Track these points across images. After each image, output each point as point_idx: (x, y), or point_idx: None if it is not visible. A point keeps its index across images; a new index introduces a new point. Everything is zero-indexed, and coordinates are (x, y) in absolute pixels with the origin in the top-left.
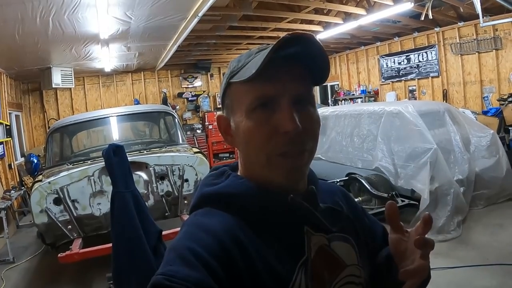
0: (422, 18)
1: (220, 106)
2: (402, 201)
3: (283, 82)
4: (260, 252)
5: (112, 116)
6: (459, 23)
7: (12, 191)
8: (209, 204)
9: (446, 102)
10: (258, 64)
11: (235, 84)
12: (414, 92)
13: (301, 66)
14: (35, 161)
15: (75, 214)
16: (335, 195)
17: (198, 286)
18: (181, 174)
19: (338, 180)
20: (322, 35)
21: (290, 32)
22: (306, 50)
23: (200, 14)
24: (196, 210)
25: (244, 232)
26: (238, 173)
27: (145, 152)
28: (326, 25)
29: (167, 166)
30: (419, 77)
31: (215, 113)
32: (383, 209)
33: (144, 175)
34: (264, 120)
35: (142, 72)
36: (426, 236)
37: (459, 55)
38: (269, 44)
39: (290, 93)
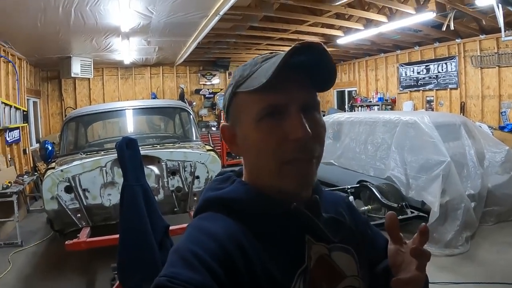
0: (444, 29)
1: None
2: (412, 212)
3: (291, 90)
4: (261, 258)
5: (127, 109)
6: (480, 36)
7: (25, 176)
8: (212, 209)
9: (463, 114)
10: (269, 73)
11: (242, 93)
12: (432, 103)
13: (308, 74)
14: (50, 148)
15: (85, 203)
16: (339, 205)
17: None
18: (192, 170)
19: (349, 187)
20: (342, 40)
21: (300, 42)
22: (316, 59)
23: (221, 13)
24: (200, 214)
25: (246, 238)
26: (243, 179)
27: (158, 146)
28: (346, 30)
29: (179, 162)
30: (437, 88)
31: None
32: None
33: (156, 169)
34: (274, 128)
35: (161, 67)
36: (423, 247)
37: (479, 68)
38: (272, 52)
39: (298, 101)
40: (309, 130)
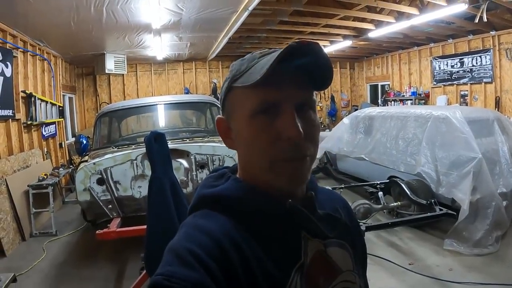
0: (477, 21)
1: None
2: (440, 209)
3: (286, 88)
4: (257, 255)
5: (159, 104)
6: None
7: (61, 169)
8: (207, 206)
9: (498, 110)
10: (263, 70)
11: (237, 88)
12: (466, 97)
13: (305, 73)
14: (84, 142)
15: (116, 195)
16: (336, 202)
17: (197, 287)
18: (221, 164)
19: (378, 182)
20: (374, 34)
21: (296, 40)
22: (312, 58)
23: (250, 8)
24: (195, 211)
25: (241, 235)
26: (237, 176)
27: (187, 140)
28: (378, 24)
29: (207, 156)
30: (471, 82)
31: None
32: (422, 215)
33: (185, 163)
34: (267, 125)
35: (193, 62)
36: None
37: None
38: (271, 49)
39: (293, 99)
40: (301, 130)
